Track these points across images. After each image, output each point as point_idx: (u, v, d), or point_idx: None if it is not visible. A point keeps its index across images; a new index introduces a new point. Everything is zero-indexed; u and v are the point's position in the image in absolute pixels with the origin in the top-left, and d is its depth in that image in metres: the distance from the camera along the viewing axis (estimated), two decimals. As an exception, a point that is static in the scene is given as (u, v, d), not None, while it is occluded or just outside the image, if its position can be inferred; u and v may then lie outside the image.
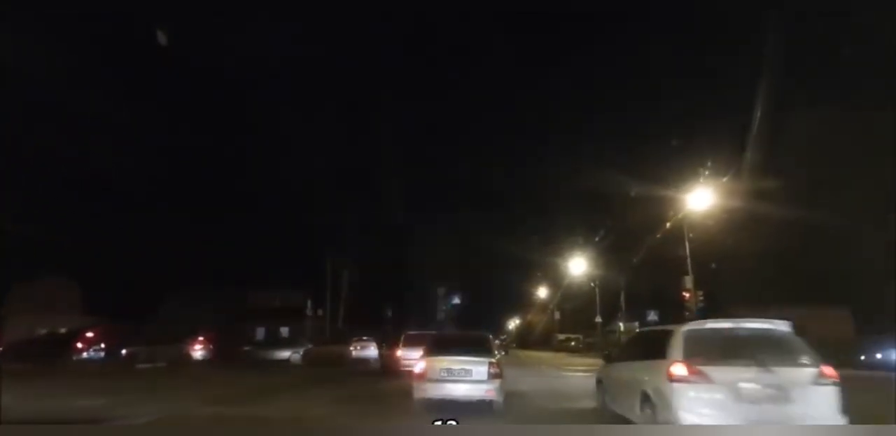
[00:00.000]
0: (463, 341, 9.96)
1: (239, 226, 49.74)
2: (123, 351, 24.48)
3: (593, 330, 43.27)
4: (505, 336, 70.91)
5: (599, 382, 9.04)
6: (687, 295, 25.75)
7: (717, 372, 5.89)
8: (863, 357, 21.67)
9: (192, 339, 25.30)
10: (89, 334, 27.42)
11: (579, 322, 49.00)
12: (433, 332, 16.73)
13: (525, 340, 64.17)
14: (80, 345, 26.31)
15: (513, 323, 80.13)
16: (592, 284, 41.07)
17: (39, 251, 36.99)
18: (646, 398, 6.50)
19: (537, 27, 66.43)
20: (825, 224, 27.74)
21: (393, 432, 5.92)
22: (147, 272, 40.12)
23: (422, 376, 8.82)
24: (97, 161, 44.02)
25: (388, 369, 16.86)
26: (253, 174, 61.85)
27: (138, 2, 35.92)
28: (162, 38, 21.14)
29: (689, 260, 26.26)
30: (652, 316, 32.78)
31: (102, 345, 26.99)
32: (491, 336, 10.78)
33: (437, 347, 9.51)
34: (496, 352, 9.79)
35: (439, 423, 4.93)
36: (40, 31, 32.54)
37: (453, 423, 4.86)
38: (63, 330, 31.69)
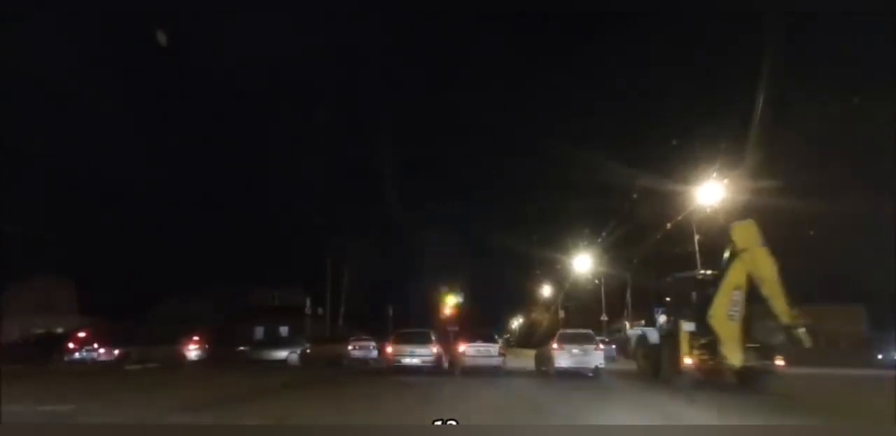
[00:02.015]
0: (482, 335, 18.25)
1: (238, 224, 49.28)
2: (116, 351, 23.93)
3: (599, 329, 42.48)
4: (508, 335, 70.22)
5: (536, 356, 19.58)
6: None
7: (566, 346, 16.18)
8: (880, 356, 20.86)
9: (186, 339, 24.71)
10: (81, 335, 26.88)
11: (584, 321, 48.22)
12: (426, 330, 19.99)
13: (528, 339, 63.47)
14: (71, 345, 25.75)
15: (516, 322, 79.47)
16: (597, 282, 40.34)
17: (36, 251, 36.62)
18: (547, 358, 16.77)
19: (538, 26, 65.78)
20: (836, 220, 27.03)
21: (393, 432, 5.88)
22: (145, 271, 39.73)
23: (463, 354, 17.27)
24: (94, 160, 43.60)
25: (389, 368, 17.37)
26: (252, 172, 61.46)
27: (138, 2, 35.43)
28: (162, 38, 20.86)
29: (697, 256, 25.56)
30: (661, 314, 31.91)
31: (95, 345, 26.43)
32: (496, 335, 19.86)
33: (470, 338, 17.99)
34: (499, 342, 18.98)
35: (439, 423, 4.98)
36: (38, 31, 32.08)
37: (453, 423, 4.92)
38: (60, 330, 31.24)
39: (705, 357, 12.43)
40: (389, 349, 17.53)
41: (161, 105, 56.57)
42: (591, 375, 16.01)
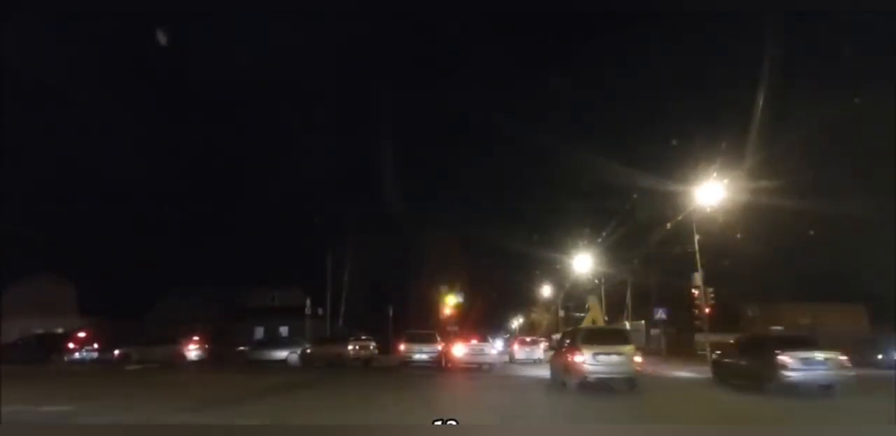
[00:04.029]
0: (477, 336, 21.49)
1: (238, 224, 49.27)
2: (116, 351, 23.92)
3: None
4: (508, 335, 70.19)
5: (509, 353, 27.45)
6: (696, 292, 25.04)
7: (521, 345, 26.86)
8: (880, 356, 20.78)
9: (186, 339, 24.66)
10: (81, 335, 26.84)
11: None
12: (432, 331, 23.53)
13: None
14: (71, 345, 25.71)
15: (516, 321, 79.38)
16: (597, 282, 40.33)
17: (36, 251, 36.61)
18: (513, 354, 26.62)
19: (538, 26, 65.74)
20: (836, 219, 27.01)
21: (393, 432, 5.95)
22: (144, 271, 39.69)
23: (461, 352, 19.67)
24: (93, 159, 43.59)
25: (402, 363, 20.19)
26: (252, 171, 61.44)
27: (138, 2, 35.39)
28: (162, 37, 20.85)
29: (697, 256, 25.52)
30: (660, 314, 31.92)
31: (95, 345, 26.40)
32: (489, 336, 24.34)
33: (467, 338, 20.89)
34: (491, 341, 22.93)
35: (439, 423, 5.04)
36: (38, 30, 32.06)
37: (453, 423, 4.98)
38: (60, 330, 31.19)
39: None
40: (402, 347, 20.70)
41: (161, 105, 56.58)
42: (535, 361, 24.24)
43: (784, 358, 11.26)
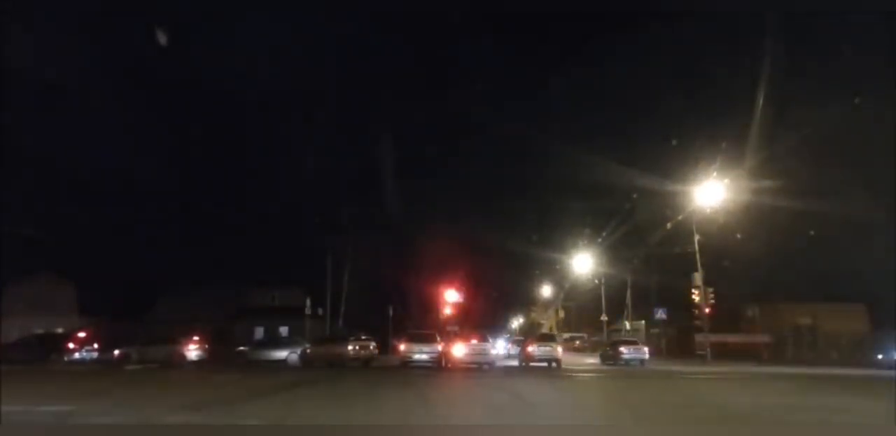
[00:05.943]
0: (477, 335, 22.27)
1: (238, 224, 49.27)
2: (116, 351, 23.93)
3: (599, 329, 42.67)
4: (509, 336, 70.20)
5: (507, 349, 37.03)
6: (696, 292, 25.03)
7: (512, 344, 35.63)
8: (880, 356, 20.77)
9: (186, 339, 24.66)
10: (81, 335, 26.87)
11: (585, 321, 48.31)
12: (432, 331, 23.97)
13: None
14: (71, 345, 25.72)
15: (516, 321, 79.36)
16: (597, 282, 40.35)
17: (36, 251, 36.64)
18: (507, 350, 35.24)
19: (537, 26, 65.69)
20: (836, 219, 26.98)
21: (393, 432, 5.88)
22: (144, 271, 39.72)
23: (461, 352, 20.54)
24: (93, 160, 43.59)
25: (402, 363, 20.47)
26: (252, 171, 61.44)
27: (139, 2, 35.37)
28: (162, 37, 20.83)
29: (697, 256, 25.51)
30: (660, 314, 31.91)
31: (95, 345, 26.43)
32: (488, 336, 24.67)
33: (467, 338, 21.84)
34: (492, 342, 24.82)
35: (440, 423, 5.54)
36: (38, 31, 32.07)
37: (453, 423, 5.49)
38: (60, 330, 31.23)
39: None
40: (402, 347, 21.09)
41: (162, 106, 56.62)
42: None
43: (621, 348, 23.49)
